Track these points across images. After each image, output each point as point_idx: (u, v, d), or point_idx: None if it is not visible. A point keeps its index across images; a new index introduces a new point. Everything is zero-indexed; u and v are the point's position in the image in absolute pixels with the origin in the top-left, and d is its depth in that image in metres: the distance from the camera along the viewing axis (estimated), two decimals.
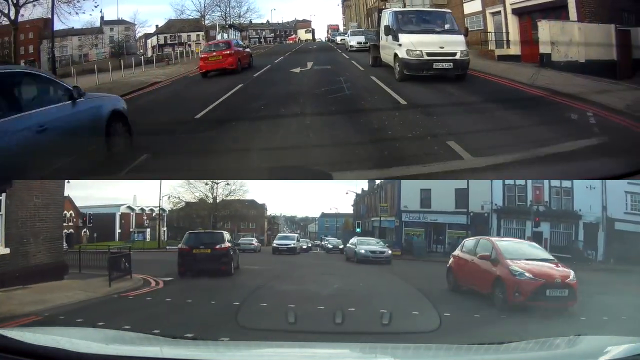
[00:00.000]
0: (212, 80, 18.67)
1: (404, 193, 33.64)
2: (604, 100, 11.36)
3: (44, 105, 5.38)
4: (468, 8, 22.86)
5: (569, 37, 15.41)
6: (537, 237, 25.08)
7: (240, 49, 21.45)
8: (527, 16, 18.81)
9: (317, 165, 8.17)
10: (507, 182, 29.86)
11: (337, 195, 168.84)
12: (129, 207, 49.65)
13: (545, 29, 15.99)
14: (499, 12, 20.72)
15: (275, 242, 30.95)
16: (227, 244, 14.95)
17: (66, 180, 12.86)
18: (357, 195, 50.68)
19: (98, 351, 2.53)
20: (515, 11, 19.85)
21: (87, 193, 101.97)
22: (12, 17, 18.45)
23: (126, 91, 17.06)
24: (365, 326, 6.64)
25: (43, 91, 5.59)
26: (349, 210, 59.63)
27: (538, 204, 27.85)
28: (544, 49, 15.65)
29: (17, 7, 18.24)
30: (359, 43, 27.22)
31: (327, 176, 8.37)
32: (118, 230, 46.97)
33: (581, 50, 15.12)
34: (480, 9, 22.07)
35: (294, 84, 16.18)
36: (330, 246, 37.26)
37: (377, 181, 38.45)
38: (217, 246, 14.53)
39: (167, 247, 36.44)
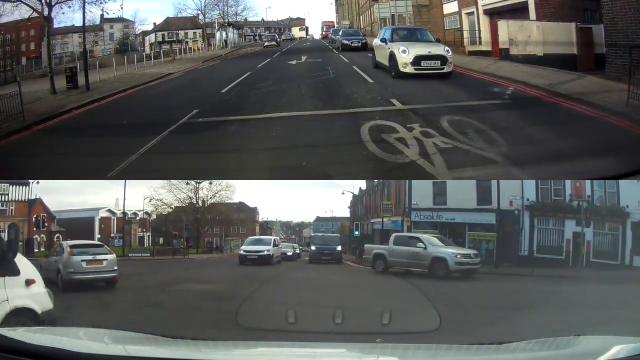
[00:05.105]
0: (223, 70, 22.59)
1: (413, 188, 27.87)
2: (528, 79, 14.13)
3: None
4: (447, 9, 25.65)
5: (528, 34, 17.62)
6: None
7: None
8: (497, 16, 20.82)
9: (307, 100, 12.91)
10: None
11: (332, 197, 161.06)
12: (109, 210, 47.30)
13: (504, 28, 18.33)
14: (473, 12, 23.10)
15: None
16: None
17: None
18: (354, 195, 47.54)
19: (98, 351, 2.53)
20: (486, 12, 22.16)
21: (84, 198, 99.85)
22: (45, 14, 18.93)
23: (148, 80, 20.02)
24: (365, 326, 6.64)
25: None
26: (346, 212, 56.92)
27: (579, 198, 22.71)
28: (503, 44, 17.79)
29: (50, 6, 18.58)
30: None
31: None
32: (97, 236, 43.61)
33: (539, 45, 17.27)
34: (457, 9, 24.71)
35: (292, 71, 20.04)
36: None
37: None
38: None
39: (130, 255, 29.17)
